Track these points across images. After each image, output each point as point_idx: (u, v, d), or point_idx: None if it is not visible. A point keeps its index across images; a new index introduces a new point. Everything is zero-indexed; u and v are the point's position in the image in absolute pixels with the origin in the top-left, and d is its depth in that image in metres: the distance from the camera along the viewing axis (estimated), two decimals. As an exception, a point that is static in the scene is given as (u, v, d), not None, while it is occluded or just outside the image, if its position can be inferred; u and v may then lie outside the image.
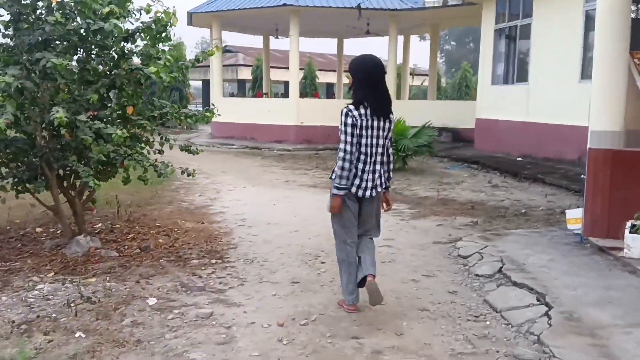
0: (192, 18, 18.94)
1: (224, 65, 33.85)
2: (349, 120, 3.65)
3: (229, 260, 5.15)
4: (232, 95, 33.40)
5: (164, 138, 5.77)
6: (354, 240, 3.91)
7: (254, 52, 32.57)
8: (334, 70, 33.20)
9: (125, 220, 6.60)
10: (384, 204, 4.04)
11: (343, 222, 3.85)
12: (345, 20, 19.09)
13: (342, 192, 3.71)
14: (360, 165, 3.72)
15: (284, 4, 16.36)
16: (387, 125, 3.78)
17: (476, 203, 8.40)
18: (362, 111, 3.67)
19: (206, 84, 29.34)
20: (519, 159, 12.55)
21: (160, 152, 5.97)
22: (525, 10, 13.06)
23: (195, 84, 37.55)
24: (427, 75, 35.52)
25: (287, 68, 18.14)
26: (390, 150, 3.94)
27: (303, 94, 25.99)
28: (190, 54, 32.88)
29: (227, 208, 7.76)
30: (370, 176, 3.76)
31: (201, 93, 35.15)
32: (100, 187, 5.03)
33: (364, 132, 3.67)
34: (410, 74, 24.36)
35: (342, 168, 3.67)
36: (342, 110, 3.69)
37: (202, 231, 6.22)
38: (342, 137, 3.67)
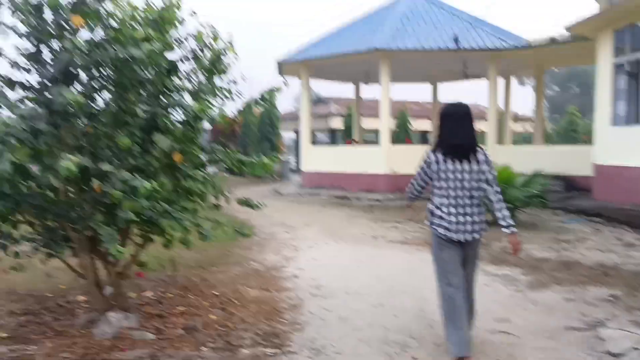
0: (282, 67, 18.58)
1: (316, 115, 33.72)
2: (423, 164, 3.87)
3: (289, 350, 3.97)
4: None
5: (216, 189, 4.78)
6: (459, 282, 3.76)
7: (346, 101, 32.11)
8: (429, 118, 31.96)
9: (180, 287, 5.65)
10: (512, 248, 3.83)
11: (443, 262, 3.79)
12: (440, 63, 17.93)
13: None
14: (445, 210, 3.72)
15: (375, 49, 15.50)
16: (474, 167, 3.70)
17: (608, 267, 6.73)
18: (440, 155, 3.74)
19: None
20: (653, 211, 10.53)
21: (217, 206, 5.01)
22: (651, 40, 11.27)
23: (289, 135, 37.60)
24: (529, 120, 33.48)
25: (378, 117, 17.13)
26: (497, 191, 3.78)
27: (398, 141, 24.85)
28: (284, 105, 33.00)
29: (302, 270, 6.64)
30: (461, 219, 3.69)
31: (294, 144, 35.03)
32: (123, 256, 4.04)
33: (442, 175, 3.72)
34: (515, 119, 22.56)
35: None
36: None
37: (265, 303, 5.11)
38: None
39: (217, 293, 5.42)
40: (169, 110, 4.26)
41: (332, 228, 10.19)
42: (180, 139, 4.38)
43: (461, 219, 3.67)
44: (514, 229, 3.75)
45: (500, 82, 18.52)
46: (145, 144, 4.19)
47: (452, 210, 3.68)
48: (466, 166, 3.67)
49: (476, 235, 3.72)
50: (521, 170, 11.19)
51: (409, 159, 16.79)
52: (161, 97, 4.22)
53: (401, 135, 28.35)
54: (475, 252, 3.87)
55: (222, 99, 4.91)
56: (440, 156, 3.71)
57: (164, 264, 6.31)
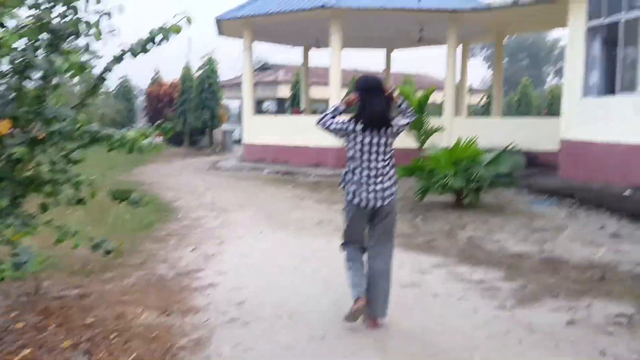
0: (222, 26, 16.67)
1: (264, 83, 31.78)
2: (346, 122, 3.88)
3: None
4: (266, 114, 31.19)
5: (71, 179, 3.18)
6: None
7: (297, 69, 30.32)
8: (381, 87, 30.59)
9: (42, 310, 4.00)
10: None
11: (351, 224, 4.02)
12: (397, 26, 16.47)
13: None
14: (357, 176, 3.87)
15: (322, 6, 13.84)
16: (389, 140, 3.87)
17: (603, 267, 5.51)
18: (358, 125, 3.83)
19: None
20: (628, 192, 9.48)
21: (80, 202, 3.43)
22: (631, 1, 10.10)
23: (233, 103, 35.56)
24: (480, 92, 32.64)
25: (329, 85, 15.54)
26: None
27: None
28: (231, 71, 31.00)
29: (222, 276, 5.11)
30: (372, 187, 3.85)
31: (238, 113, 33.07)
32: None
33: (357, 146, 3.83)
34: (468, 91, 21.48)
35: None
36: None
37: (156, 339, 3.55)
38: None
39: (91, 320, 3.83)
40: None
41: (271, 211, 8.67)
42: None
43: (371, 187, 3.83)
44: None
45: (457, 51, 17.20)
46: None
47: (364, 179, 3.83)
48: (382, 139, 3.82)
49: (386, 203, 3.86)
50: (480, 145, 10.08)
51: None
52: None
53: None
54: (388, 220, 3.96)
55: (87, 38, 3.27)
56: (358, 127, 3.82)
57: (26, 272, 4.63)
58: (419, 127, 12.35)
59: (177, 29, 3.45)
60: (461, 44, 18.17)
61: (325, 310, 4.23)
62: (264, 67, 34.74)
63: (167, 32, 3.45)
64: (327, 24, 14.69)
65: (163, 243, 6.40)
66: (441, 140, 12.68)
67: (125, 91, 28.51)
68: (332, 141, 14.87)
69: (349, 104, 3.97)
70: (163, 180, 12.74)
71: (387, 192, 3.85)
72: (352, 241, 4.02)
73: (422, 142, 12.52)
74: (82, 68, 3.15)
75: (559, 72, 64.47)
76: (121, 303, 4.19)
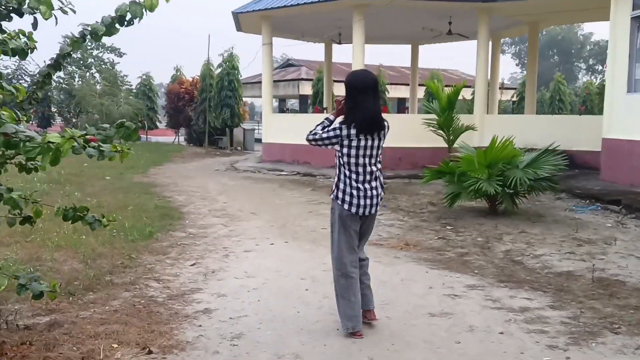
0: (240, 21, 16.04)
1: (286, 80, 31.09)
2: (337, 131, 3.61)
3: None
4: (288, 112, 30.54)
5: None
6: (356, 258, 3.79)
7: (318, 65, 29.59)
8: (407, 84, 29.68)
9: (8, 339, 3.36)
10: None
11: (348, 238, 3.72)
12: (423, 18, 15.64)
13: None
14: (354, 184, 3.64)
15: (346, -3, 13.11)
16: (382, 142, 3.69)
17: (667, 292, 4.67)
18: (352, 131, 3.56)
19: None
20: (681, 198, 8.53)
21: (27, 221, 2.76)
22: (684, -14, 9.13)
23: (258, 101, 34.99)
24: (511, 89, 31.44)
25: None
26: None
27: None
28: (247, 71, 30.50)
29: (221, 299, 4.41)
30: (369, 193, 3.66)
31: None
32: None
33: (352, 152, 3.59)
34: (500, 88, 20.50)
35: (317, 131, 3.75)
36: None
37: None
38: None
39: (60, 354, 3.16)
40: None
41: (285, 218, 7.97)
42: None
43: (369, 192, 3.64)
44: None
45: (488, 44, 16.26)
46: None
47: (361, 185, 3.62)
48: (375, 142, 3.63)
49: (378, 208, 3.74)
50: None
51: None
52: None
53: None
54: (372, 224, 3.92)
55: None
56: (352, 131, 3.55)
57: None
58: (448, 125, 11.52)
59: (151, 5, 2.76)
60: (492, 38, 17.23)
61: (332, 356, 3.49)
62: (288, 64, 34.09)
63: (139, 8, 2.76)
64: (350, 18, 13.94)
65: (162, 255, 5.74)
66: (471, 140, 11.86)
67: (146, 89, 28.14)
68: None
69: (339, 113, 3.73)
70: (177, 182, 12.15)
71: (380, 198, 3.74)
72: (350, 261, 3.70)
73: (452, 142, 11.69)
74: (23, 52, 2.48)
75: (591, 68, 62.53)
76: (94, 337, 3.51)
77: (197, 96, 24.60)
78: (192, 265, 5.41)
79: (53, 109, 30.44)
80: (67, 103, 28.40)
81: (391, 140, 13.03)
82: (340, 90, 25.84)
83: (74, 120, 26.55)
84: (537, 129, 12.81)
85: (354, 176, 3.59)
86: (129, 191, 10.22)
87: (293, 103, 40.12)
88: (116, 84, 26.72)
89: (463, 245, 6.38)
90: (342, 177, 3.65)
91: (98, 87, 27.45)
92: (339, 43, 18.71)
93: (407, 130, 13.84)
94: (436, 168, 8.22)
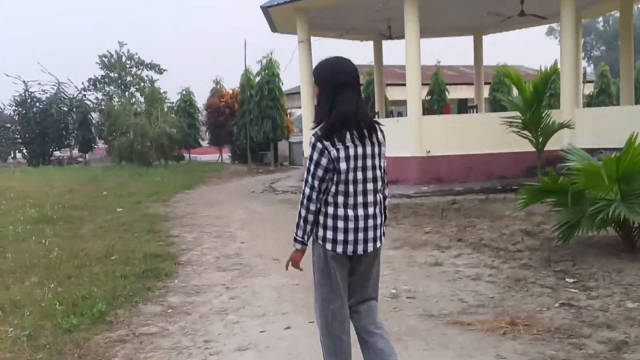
0: (272, 17, 13.83)
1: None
2: (316, 154, 2.53)
3: None
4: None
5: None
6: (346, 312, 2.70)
7: (369, 69, 27.14)
8: (469, 84, 26.78)
9: None
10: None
11: (333, 286, 2.65)
12: (487, 2, 13.00)
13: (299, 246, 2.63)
14: (340, 212, 2.57)
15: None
16: (375, 150, 2.62)
17: None
18: (330, 140, 2.54)
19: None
20: None
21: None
22: None
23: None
24: (591, 82, 27.94)
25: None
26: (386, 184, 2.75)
27: (431, 112, 19.92)
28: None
29: None
30: (361, 224, 2.58)
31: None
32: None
33: (337, 167, 2.53)
34: (583, 81, 17.48)
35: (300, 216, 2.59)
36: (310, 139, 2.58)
37: None
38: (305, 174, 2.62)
39: None
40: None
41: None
42: None
43: (361, 223, 2.57)
44: None
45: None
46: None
47: (351, 211, 2.56)
48: (368, 149, 2.59)
49: (379, 243, 2.66)
50: (607, 144, 7.60)
51: (449, 136, 12.02)
52: None
53: (435, 103, 23.36)
54: (377, 267, 2.74)
55: None
56: (330, 141, 2.52)
57: None
58: (536, 124, 8.80)
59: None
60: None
61: None
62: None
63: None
64: (401, 6, 11.51)
65: (121, 347, 3.42)
66: (559, 142, 9.19)
67: (186, 105, 26.51)
68: (413, 149, 11.66)
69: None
70: (197, 212, 9.97)
71: (381, 231, 2.68)
72: (334, 315, 2.64)
73: (542, 145, 8.96)
74: None
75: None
76: None
77: (237, 109, 22.64)
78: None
79: (94, 131, 29.29)
80: (108, 125, 27.16)
81: (457, 146, 10.30)
82: (394, 94, 23.34)
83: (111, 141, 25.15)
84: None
85: (340, 199, 2.57)
86: (131, 229, 8.09)
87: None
88: (155, 101, 25.18)
89: (609, 321, 3.74)
90: (321, 205, 2.58)
91: (137, 106, 26.07)
92: (389, 38, 16.20)
93: (478, 134, 11.24)
94: (537, 186, 5.60)
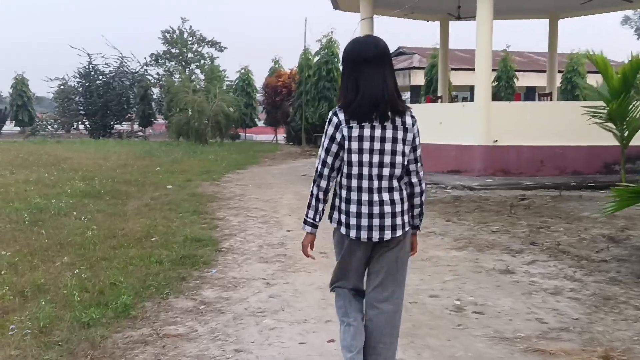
0: (334, -5, 13.19)
1: (396, 70, 27.81)
2: (330, 127, 2.46)
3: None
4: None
5: None
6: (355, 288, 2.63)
7: (433, 52, 26.03)
8: (538, 71, 25.27)
9: None
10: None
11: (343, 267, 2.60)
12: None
13: (308, 229, 2.56)
14: (354, 195, 2.46)
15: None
16: (399, 134, 2.44)
17: None
18: (347, 117, 2.44)
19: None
20: None
21: None
22: None
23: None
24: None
25: (474, 70, 11.31)
26: (421, 173, 2.57)
27: (497, 99, 18.78)
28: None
29: None
30: (376, 210, 2.44)
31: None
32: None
33: (352, 146, 2.42)
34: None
35: (312, 194, 2.53)
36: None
37: None
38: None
39: None
40: None
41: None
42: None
43: (376, 209, 2.45)
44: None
45: None
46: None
47: (365, 195, 2.45)
48: (389, 133, 2.44)
49: (397, 233, 2.47)
50: None
51: (519, 125, 11.09)
52: None
53: (503, 90, 22.13)
54: (398, 259, 2.54)
55: None
56: (347, 118, 2.43)
57: None
58: (622, 115, 7.84)
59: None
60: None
61: None
62: (399, 53, 30.78)
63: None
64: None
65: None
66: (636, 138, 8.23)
67: (245, 84, 26.27)
68: (480, 137, 10.83)
69: None
70: (246, 194, 9.56)
71: (400, 219, 2.48)
72: (347, 282, 2.64)
73: (627, 139, 8.00)
74: None
75: None
76: None
77: (294, 89, 22.16)
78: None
79: (154, 107, 29.56)
80: (167, 101, 27.31)
81: (528, 136, 9.37)
82: (458, 79, 22.26)
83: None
84: None
85: (353, 182, 2.45)
86: (176, 208, 7.74)
87: (405, 96, 36.72)
88: (214, 79, 25.05)
89: None
90: (336, 187, 2.52)
91: (196, 83, 26.03)
92: (458, 18, 15.25)
93: (551, 124, 10.30)
94: (633, 187, 4.79)
